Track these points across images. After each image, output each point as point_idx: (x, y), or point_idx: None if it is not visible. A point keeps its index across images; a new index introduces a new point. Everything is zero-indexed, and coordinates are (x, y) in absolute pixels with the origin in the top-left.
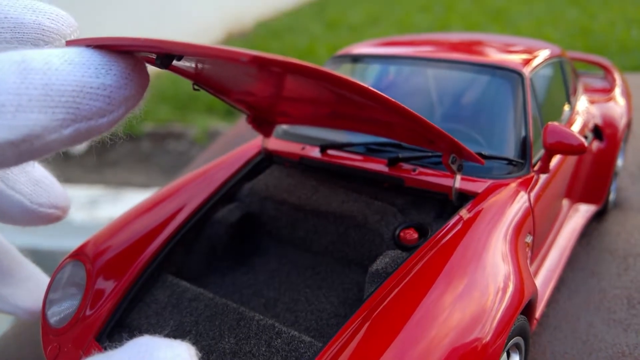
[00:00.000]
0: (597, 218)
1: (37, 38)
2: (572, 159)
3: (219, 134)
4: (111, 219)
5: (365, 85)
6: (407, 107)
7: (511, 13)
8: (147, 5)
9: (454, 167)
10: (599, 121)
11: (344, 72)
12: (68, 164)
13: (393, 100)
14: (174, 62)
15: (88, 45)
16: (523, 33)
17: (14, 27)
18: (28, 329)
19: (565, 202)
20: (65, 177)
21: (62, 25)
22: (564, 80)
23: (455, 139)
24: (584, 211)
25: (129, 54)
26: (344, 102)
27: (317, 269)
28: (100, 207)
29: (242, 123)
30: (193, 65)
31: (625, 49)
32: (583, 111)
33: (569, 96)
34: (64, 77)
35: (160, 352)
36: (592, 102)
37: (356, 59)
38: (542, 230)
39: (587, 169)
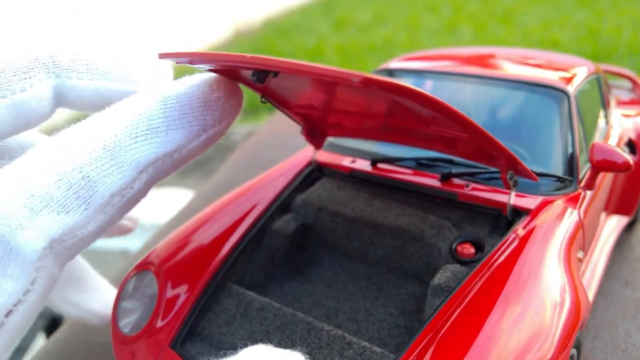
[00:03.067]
0: (627, 228)
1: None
2: (610, 174)
3: (231, 131)
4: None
5: (452, 106)
6: (480, 126)
7: (519, 14)
8: (157, 2)
9: (511, 183)
10: (632, 135)
11: None
12: None
13: (470, 119)
14: (269, 77)
15: (190, 61)
16: (531, 34)
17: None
18: (78, 333)
19: (602, 215)
20: None
21: (168, 72)
22: (601, 95)
23: (516, 156)
24: (617, 222)
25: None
26: (412, 117)
27: (372, 279)
28: None
29: (270, 122)
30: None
31: (633, 51)
32: (618, 125)
33: (605, 111)
34: (191, 97)
35: None
36: (625, 116)
37: (393, 73)
38: (590, 244)
39: (621, 182)
